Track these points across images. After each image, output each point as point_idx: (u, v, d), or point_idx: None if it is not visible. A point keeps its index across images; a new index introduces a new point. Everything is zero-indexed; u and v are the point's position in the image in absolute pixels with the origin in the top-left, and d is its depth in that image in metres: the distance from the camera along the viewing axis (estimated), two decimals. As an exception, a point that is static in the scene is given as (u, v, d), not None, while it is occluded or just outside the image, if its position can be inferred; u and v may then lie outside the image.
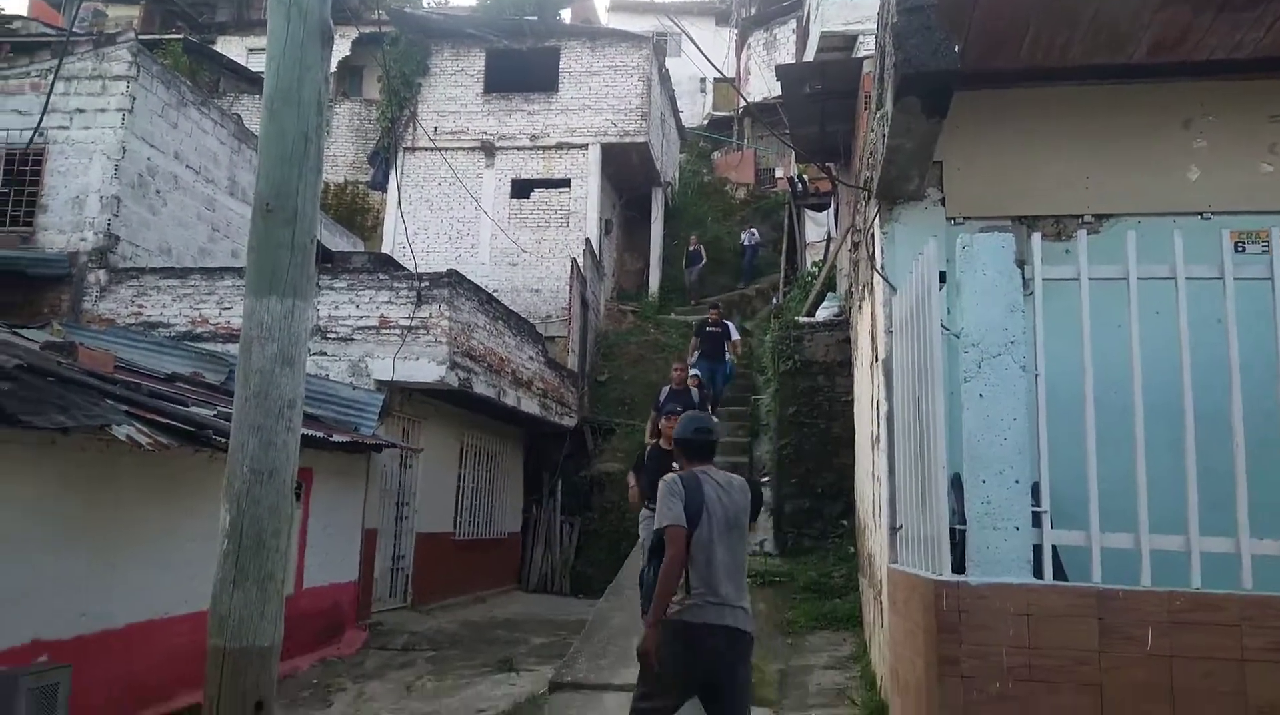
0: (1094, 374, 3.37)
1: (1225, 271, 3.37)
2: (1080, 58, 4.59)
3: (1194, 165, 4.64)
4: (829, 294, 12.56)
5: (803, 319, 12.27)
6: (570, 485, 13.98)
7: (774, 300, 16.98)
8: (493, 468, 13.13)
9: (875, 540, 5.39)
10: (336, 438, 7.78)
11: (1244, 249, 4.35)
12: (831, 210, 14.77)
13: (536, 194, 17.50)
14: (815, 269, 14.92)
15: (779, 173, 22.30)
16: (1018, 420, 3.35)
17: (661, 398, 8.65)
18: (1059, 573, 3.53)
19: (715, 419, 5.21)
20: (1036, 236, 3.60)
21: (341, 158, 19.50)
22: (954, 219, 4.87)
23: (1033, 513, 3.30)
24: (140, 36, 11.83)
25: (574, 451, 14.29)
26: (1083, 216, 4.69)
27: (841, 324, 10.78)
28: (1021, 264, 3.56)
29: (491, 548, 13.02)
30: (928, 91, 4.13)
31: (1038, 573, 3.23)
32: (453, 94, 17.99)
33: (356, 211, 19.05)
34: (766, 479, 10.49)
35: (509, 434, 13.63)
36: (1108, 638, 3.04)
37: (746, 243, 20.71)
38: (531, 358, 12.73)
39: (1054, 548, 3.39)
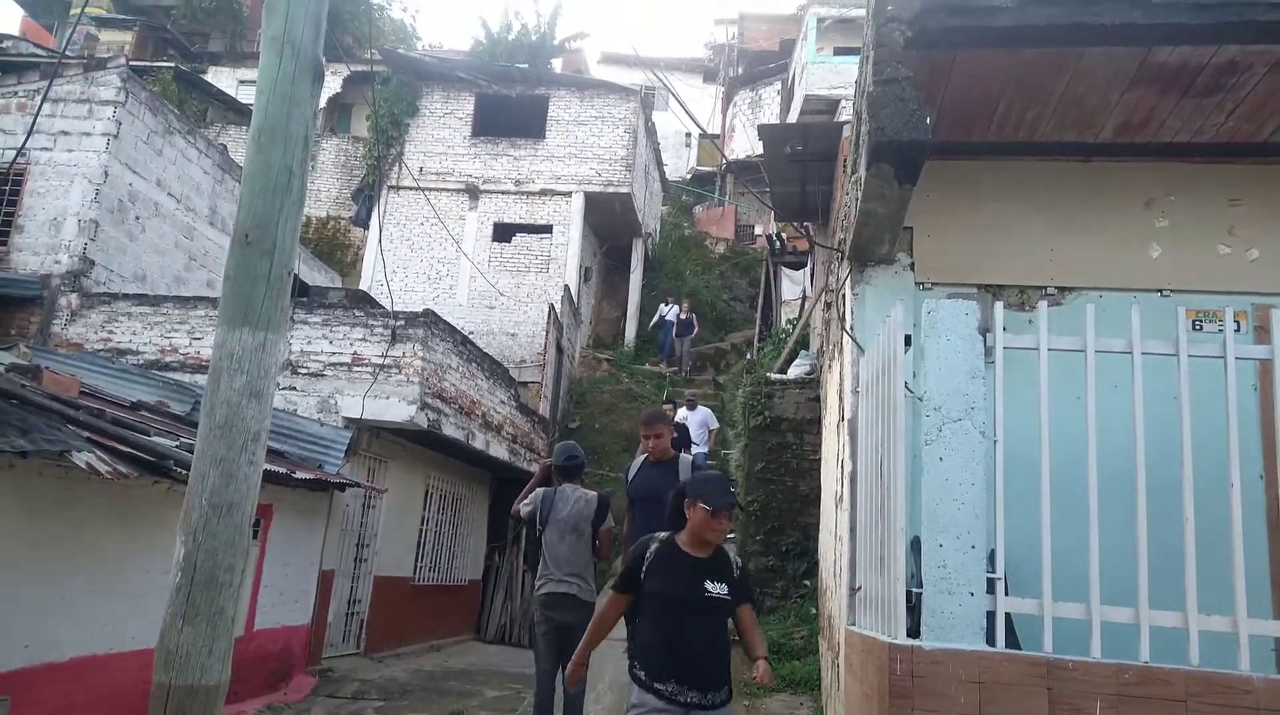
0: (1052, 444, 3.43)
1: (1180, 348, 3.46)
2: (1050, 134, 4.76)
3: (1155, 243, 4.79)
4: (802, 352, 12.68)
5: (774, 376, 12.36)
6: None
7: (748, 355, 17.11)
8: (457, 512, 12.99)
9: (835, 601, 5.38)
10: (300, 475, 7.68)
11: (1201, 327, 4.48)
12: (808, 269, 15.00)
13: (518, 238, 17.63)
14: (789, 326, 15.09)
15: (758, 230, 22.65)
16: (975, 485, 3.39)
17: (631, 474, 5.64)
18: (1013, 640, 3.55)
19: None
20: (999, 305, 3.68)
21: (325, 192, 19.58)
22: (922, 284, 4.97)
23: (988, 579, 3.33)
24: (131, 63, 11.89)
25: (541, 498, 14.16)
26: (1046, 288, 4.80)
27: (812, 382, 10.87)
28: (985, 331, 3.64)
29: (451, 595, 12.80)
30: (900, 160, 4.25)
31: (991, 640, 3.25)
32: (440, 135, 18.19)
33: (337, 247, 19.07)
34: (732, 535, 10.45)
35: (476, 478, 13.51)
36: (1057, 708, 3.05)
37: (666, 316, 18.56)
38: (503, 402, 12.70)
39: (1008, 615, 3.42)
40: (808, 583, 8.95)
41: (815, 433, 9.89)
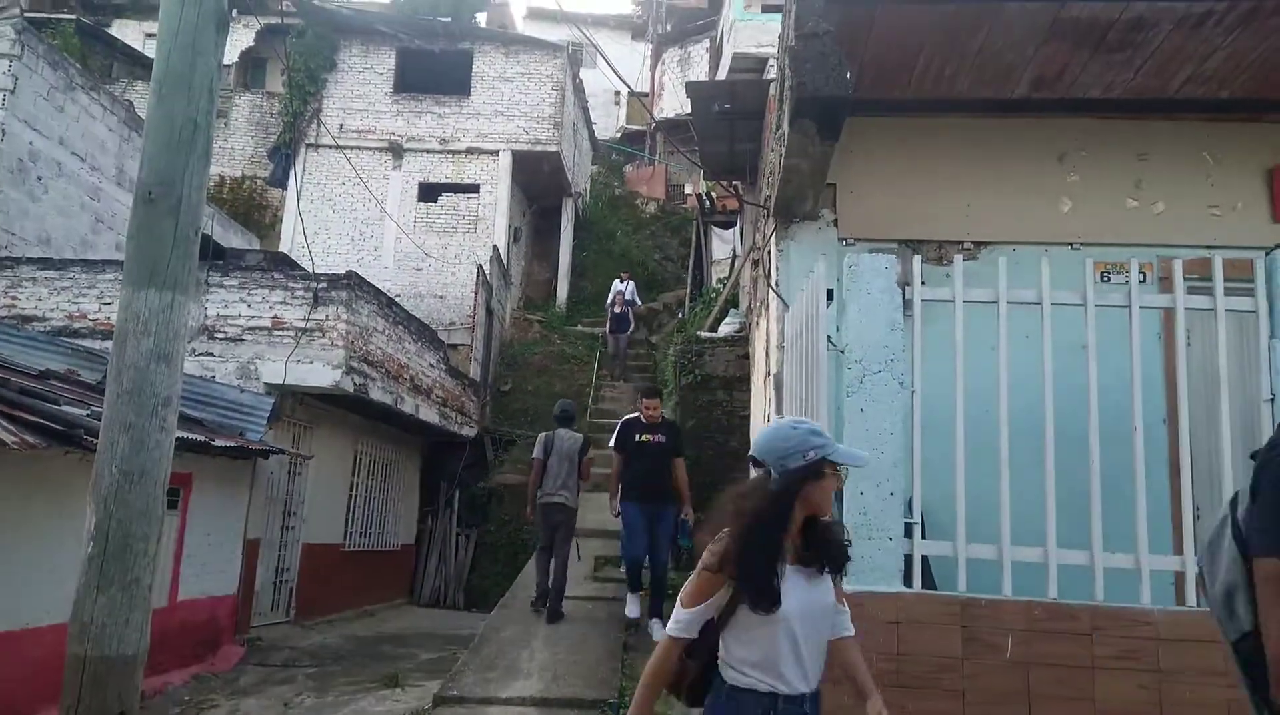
0: (969, 393, 3.53)
1: (1087, 299, 3.58)
2: (968, 90, 4.83)
3: (1066, 198, 4.93)
4: (732, 310, 12.76)
5: (704, 334, 12.45)
6: (468, 497, 13.76)
7: (679, 314, 17.17)
8: (387, 477, 12.82)
9: (764, 551, 5.48)
10: (219, 442, 7.46)
11: (1109, 279, 4.64)
12: (737, 228, 15.06)
13: (445, 198, 17.26)
14: (720, 285, 15.16)
15: (689, 189, 22.59)
16: (895, 435, 3.48)
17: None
18: (931, 582, 3.68)
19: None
20: (917, 259, 3.76)
21: (240, 151, 18.83)
22: (845, 240, 5.03)
23: (906, 524, 3.43)
24: (28, 14, 11.19)
25: (473, 462, 14.08)
26: (963, 242, 4.91)
27: (742, 340, 10.97)
28: (904, 285, 3.71)
29: (383, 560, 12.68)
30: (822, 115, 4.28)
31: (908, 582, 3.36)
32: (360, 91, 17.60)
33: (254, 208, 18.40)
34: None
35: (406, 443, 13.35)
36: (971, 644, 3.18)
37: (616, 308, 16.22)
38: (432, 365, 12.51)
39: (926, 558, 3.54)
40: (738, 536, 9.11)
41: (745, 389, 10.01)
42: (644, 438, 7.04)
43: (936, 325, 3.64)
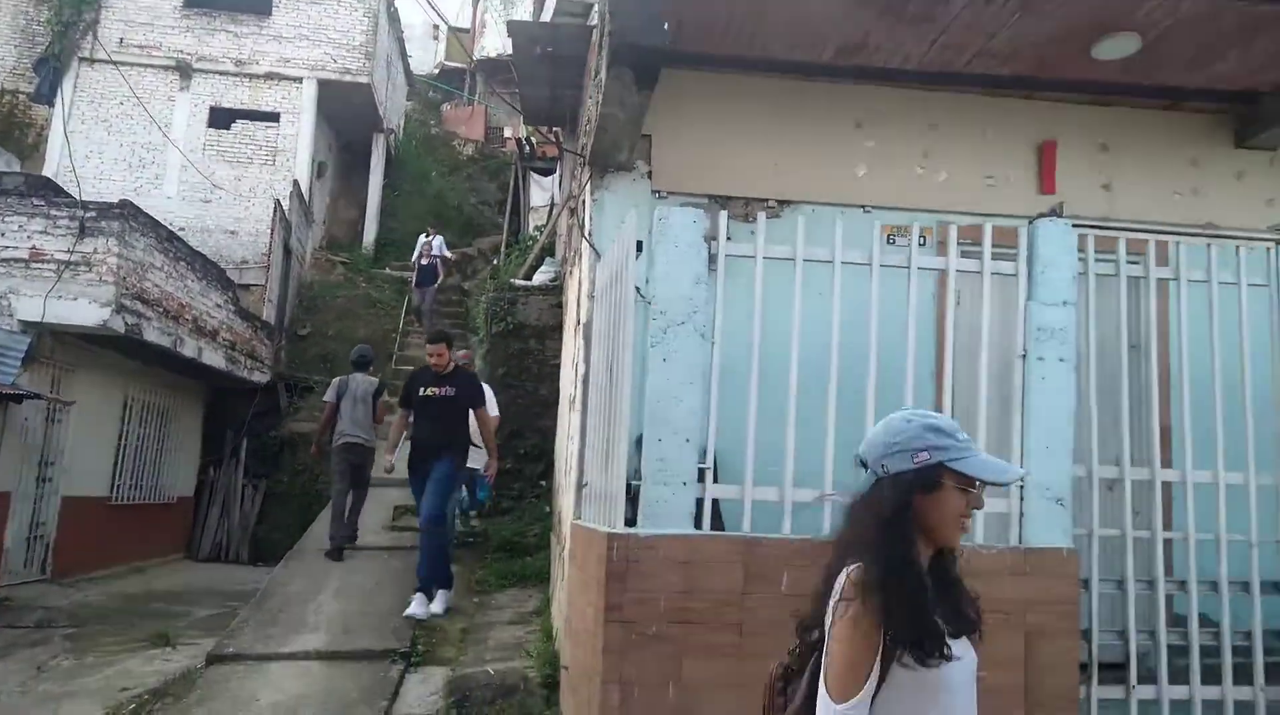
0: (765, 346, 3.65)
1: (874, 259, 3.78)
2: (778, 52, 4.94)
3: (862, 163, 5.18)
4: (548, 258, 12.65)
5: (519, 282, 12.28)
6: (258, 446, 12.96)
7: (494, 261, 16.85)
8: (164, 425, 11.82)
9: (565, 499, 5.51)
10: (-41, 381, 6.58)
11: (895, 242, 4.92)
12: (556, 176, 14.88)
13: (239, 126, 15.90)
14: (537, 233, 14.98)
15: (508, 132, 22.02)
16: (694, 385, 3.55)
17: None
18: (720, 526, 3.81)
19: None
20: (724, 214, 3.82)
21: (1, 61, 16.47)
22: (659, 192, 5.05)
23: (699, 470, 3.52)
24: None
25: (265, 410, 13.26)
26: (768, 201, 5.06)
27: (557, 289, 10.91)
28: (710, 240, 3.77)
29: (157, 513, 11.73)
30: (639, 64, 4.24)
31: (699, 524, 3.46)
32: (146, 3, 15.79)
33: (15, 125, 16.18)
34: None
35: (187, 388, 12.34)
36: (751, 581, 3.32)
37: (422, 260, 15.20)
38: (219, 305, 11.61)
39: (716, 502, 3.65)
40: (544, 483, 9.14)
41: (557, 339, 9.98)
42: (429, 392, 6.19)
43: (739, 280, 3.73)
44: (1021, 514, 3.64)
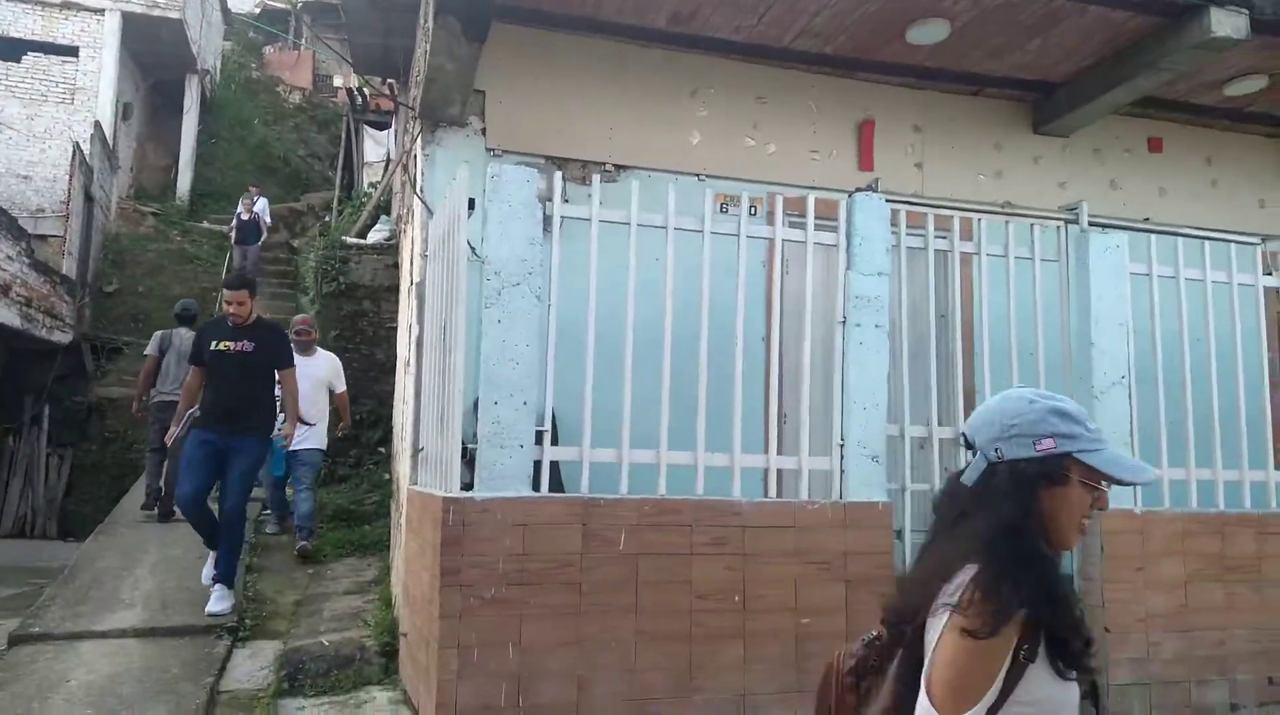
0: (600, 309, 3.71)
1: (705, 226, 3.91)
2: (612, 15, 4.95)
3: (696, 131, 5.30)
4: (383, 216, 12.21)
5: (351, 240, 11.81)
6: (62, 412, 11.90)
7: (325, 218, 16.08)
8: (-51, 389, 10.68)
9: (404, 465, 5.43)
10: None
11: (726, 210, 5.09)
12: (392, 130, 14.32)
13: (31, 59, 14.27)
14: (371, 189, 14.39)
15: (338, 82, 20.91)
16: (530, 347, 3.57)
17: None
18: (558, 488, 3.88)
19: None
20: (559, 175, 3.84)
21: None
22: (493, 150, 4.98)
23: (537, 432, 3.56)
24: None
25: (68, 373, 12.16)
26: (605, 164, 5.09)
27: (392, 248, 10.57)
28: (545, 201, 3.77)
29: (-53, 486, 10.64)
30: (468, 13, 4.15)
31: (536, 486, 3.51)
32: (-93, -92, 13.85)
33: None
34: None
35: (-24, 348, 11.18)
36: (590, 541, 3.42)
37: (242, 216, 13.70)
38: (10, 258, 10.50)
39: (556, 465, 3.71)
40: (382, 450, 8.93)
41: (394, 301, 9.70)
42: (223, 346, 5.23)
43: (575, 242, 3.76)
44: (841, 471, 3.90)
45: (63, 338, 11.91)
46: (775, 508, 3.76)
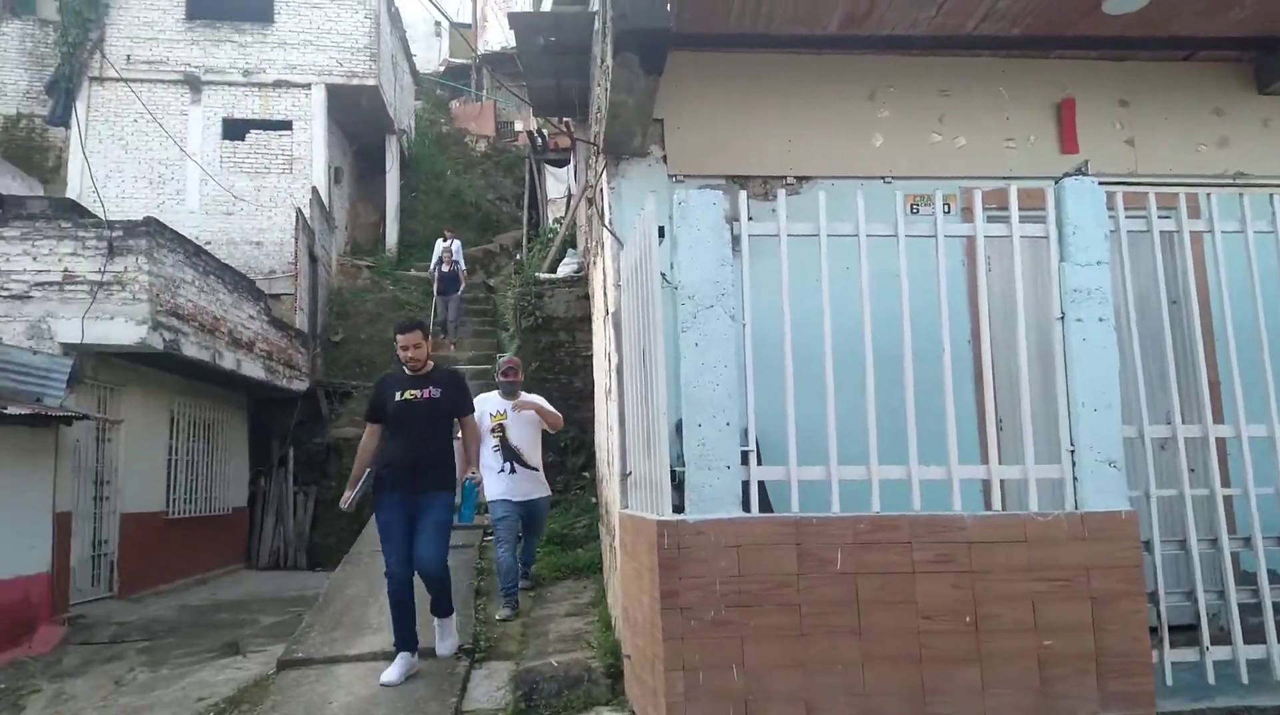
0: (795, 323, 3.67)
1: (899, 230, 3.78)
2: (784, 27, 4.92)
3: (878, 133, 5.15)
4: (570, 250, 12.69)
5: (543, 275, 12.34)
6: (304, 453, 13.20)
7: (517, 256, 16.91)
8: (211, 438, 12.09)
9: (610, 488, 5.58)
10: (12, 410, 6.78)
11: (918, 210, 4.91)
12: (571, 166, 14.89)
13: (253, 136, 16.06)
14: (556, 225, 15.01)
15: (519, 126, 22.04)
16: (728, 367, 3.59)
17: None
18: (766, 507, 3.86)
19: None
20: (743, 195, 3.83)
21: (14, 86, 16.71)
22: (675, 176, 5.06)
23: (742, 452, 3.57)
24: None
25: (307, 417, 13.49)
26: (786, 177, 5.05)
27: (581, 280, 10.96)
28: (732, 221, 3.79)
29: (213, 525, 12.03)
30: (644, 48, 4.24)
31: (746, 507, 3.51)
32: (148, 17, 15.95)
33: (34, 150, 16.49)
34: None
35: (230, 400, 12.59)
36: (805, 561, 3.37)
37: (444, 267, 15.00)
38: (253, 316, 11.79)
39: (762, 483, 3.70)
40: (586, 474, 9.23)
41: (586, 330, 10.05)
42: (407, 396, 4.93)
43: (764, 259, 3.75)
44: (1075, 478, 3.63)
45: (300, 386, 13.21)
46: (1003, 521, 3.55)
